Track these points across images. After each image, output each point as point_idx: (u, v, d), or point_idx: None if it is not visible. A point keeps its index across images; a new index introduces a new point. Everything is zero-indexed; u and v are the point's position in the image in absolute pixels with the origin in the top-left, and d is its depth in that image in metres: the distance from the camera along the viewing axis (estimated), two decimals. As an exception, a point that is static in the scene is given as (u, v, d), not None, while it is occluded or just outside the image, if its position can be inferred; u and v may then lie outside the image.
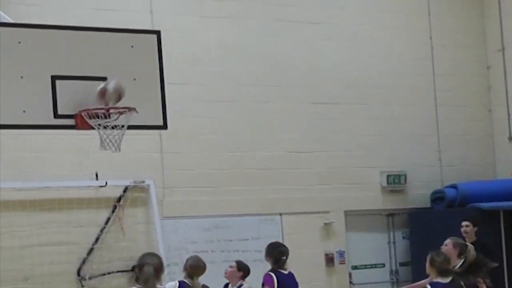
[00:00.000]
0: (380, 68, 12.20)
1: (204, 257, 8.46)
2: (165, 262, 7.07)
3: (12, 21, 6.54)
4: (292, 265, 8.81)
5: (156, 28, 7.87)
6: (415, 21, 12.52)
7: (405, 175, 12.05)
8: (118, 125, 7.55)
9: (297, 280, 8.68)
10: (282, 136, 11.47)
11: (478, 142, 12.80)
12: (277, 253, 8.54)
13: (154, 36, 6.49)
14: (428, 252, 7.66)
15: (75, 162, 10.12)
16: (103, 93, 6.37)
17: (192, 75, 10.88)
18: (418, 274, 11.22)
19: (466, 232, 9.99)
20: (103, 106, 6.26)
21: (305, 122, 11.65)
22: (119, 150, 7.12)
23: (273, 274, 8.35)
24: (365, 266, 11.93)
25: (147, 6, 10.75)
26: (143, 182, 10.50)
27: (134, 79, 6.50)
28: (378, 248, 12.10)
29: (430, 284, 7.27)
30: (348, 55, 12.00)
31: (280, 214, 11.33)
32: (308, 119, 11.67)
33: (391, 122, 12.22)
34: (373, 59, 12.11)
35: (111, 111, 7.26)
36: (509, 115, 12.60)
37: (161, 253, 10.03)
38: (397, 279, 12.14)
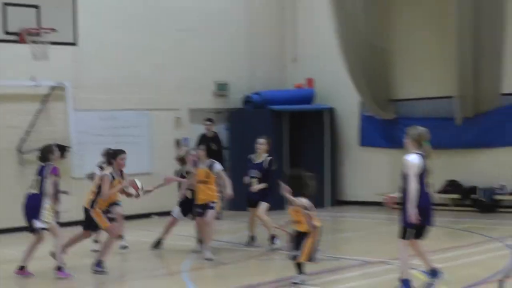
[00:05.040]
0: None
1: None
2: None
3: None
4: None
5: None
6: None
7: (228, 84, 16.85)
8: (45, 41, 11.74)
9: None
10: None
11: (272, 62, 17.75)
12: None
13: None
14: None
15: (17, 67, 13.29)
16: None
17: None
18: (234, 155, 16.08)
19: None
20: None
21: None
22: (47, 59, 11.35)
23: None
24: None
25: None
26: (63, 83, 14.14)
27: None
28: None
29: None
30: None
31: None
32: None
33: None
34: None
35: (41, 30, 11.42)
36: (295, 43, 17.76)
37: (72, 135, 13.99)
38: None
